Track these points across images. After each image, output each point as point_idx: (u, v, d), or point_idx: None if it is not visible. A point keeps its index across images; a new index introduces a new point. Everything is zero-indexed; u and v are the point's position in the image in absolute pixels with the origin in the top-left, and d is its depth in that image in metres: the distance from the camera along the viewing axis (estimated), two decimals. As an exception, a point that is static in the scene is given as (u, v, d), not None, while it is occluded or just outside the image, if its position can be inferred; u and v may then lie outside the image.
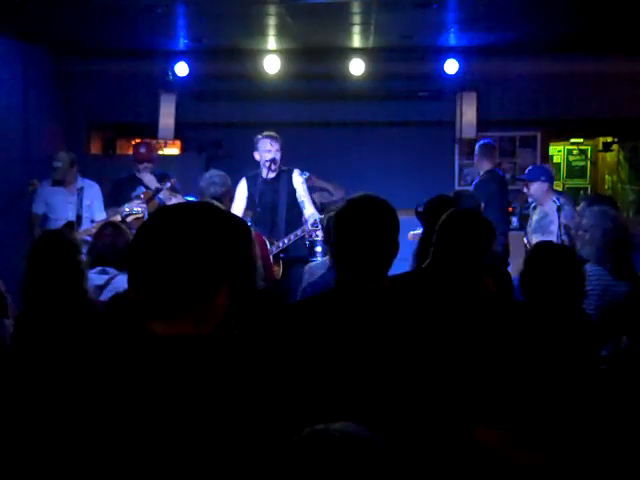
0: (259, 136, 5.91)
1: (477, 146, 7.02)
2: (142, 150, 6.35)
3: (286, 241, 5.73)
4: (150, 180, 6.20)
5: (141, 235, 1.61)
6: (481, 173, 6.88)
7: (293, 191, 5.93)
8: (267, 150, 5.84)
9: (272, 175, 5.89)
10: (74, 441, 1.53)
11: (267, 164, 5.82)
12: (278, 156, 5.86)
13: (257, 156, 5.90)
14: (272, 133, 5.93)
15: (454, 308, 2.61)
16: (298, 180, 5.96)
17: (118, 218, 5.80)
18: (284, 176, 5.93)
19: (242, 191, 5.96)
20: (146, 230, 1.62)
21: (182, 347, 1.55)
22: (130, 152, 7.33)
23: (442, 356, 2.15)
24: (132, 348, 1.60)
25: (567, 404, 2.28)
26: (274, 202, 5.88)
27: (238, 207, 5.93)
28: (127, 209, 5.77)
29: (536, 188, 5.94)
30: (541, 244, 3.26)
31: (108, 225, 4.41)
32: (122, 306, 2.70)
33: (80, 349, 2.91)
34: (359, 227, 2.23)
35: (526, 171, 6.24)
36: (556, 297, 2.77)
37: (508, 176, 7.38)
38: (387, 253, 2.25)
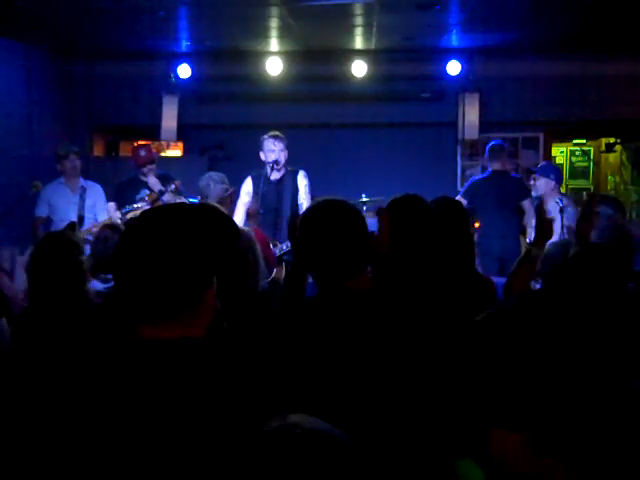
0: (264, 136, 5.91)
1: (486, 148, 7.06)
2: (142, 154, 6.31)
3: (289, 244, 5.71)
4: (154, 183, 6.19)
5: (126, 238, 1.60)
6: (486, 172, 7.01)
7: (297, 192, 5.92)
8: (270, 150, 5.82)
9: (277, 176, 5.89)
10: (65, 442, 1.53)
11: (270, 165, 5.82)
12: (282, 156, 5.84)
13: (262, 156, 5.90)
14: (276, 133, 5.90)
15: (453, 308, 2.60)
16: (302, 182, 5.95)
17: (118, 215, 5.80)
18: (289, 177, 5.92)
19: (247, 189, 5.96)
20: (130, 233, 1.61)
21: (169, 351, 1.55)
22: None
23: (445, 357, 2.15)
24: (121, 352, 1.60)
25: (597, 412, 2.26)
26: (278, 203, 5.87)
27: (242, 205, 5.95)
28: (128, 206, 5.79)
29: (542, 184, 5.98)
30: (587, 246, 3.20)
31: (107, 227, 4.40)
32: (116, 304, 2.70)
33: (79, 350, 2.91)
34: (320, 231, 2.28)
35: (538, 165, 6.37)
36: (594, 297, 2.75)
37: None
38: (353, 254, 2.27)
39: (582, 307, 2.76)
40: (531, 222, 6.08)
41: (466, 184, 7.35)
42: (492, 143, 7.11)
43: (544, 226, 3.33)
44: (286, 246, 5.72)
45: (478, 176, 7.31)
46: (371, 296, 2.31)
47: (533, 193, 6.14)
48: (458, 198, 6.89)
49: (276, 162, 5.81)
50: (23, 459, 2.45)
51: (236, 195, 5.91)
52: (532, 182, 6.09)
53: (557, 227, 5.72)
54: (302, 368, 2.16)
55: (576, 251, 2.99)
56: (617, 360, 2.55)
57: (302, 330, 2.24)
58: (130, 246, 1.57)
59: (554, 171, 6.15)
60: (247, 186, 5.96)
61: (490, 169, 6.96)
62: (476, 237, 6.90)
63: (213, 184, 5.36)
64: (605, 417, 2.35)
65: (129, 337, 1.59)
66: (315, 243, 2.29)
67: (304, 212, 2.41)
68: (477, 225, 7.11)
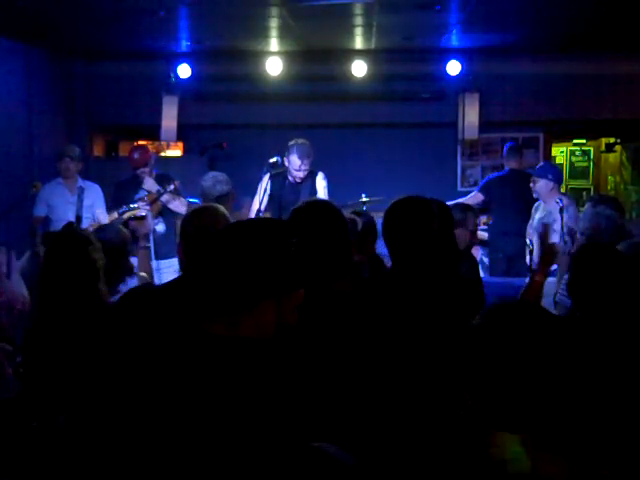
0: (294, 147, 5.89)
1: (504, 147, 7.30)
2: (135, 156, 6.28)
3: None
4: (149, 185, 6.17)
5: (214, 242, 1.76)
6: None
7: (315, 193, 5.96)
8: (295, 170, 5.87)
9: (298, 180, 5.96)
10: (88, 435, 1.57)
11: (293, 174, 5.89)
12: (304, 175, 5.92)
13: (286, 162, 5.92)
14: (306, 148, 5.90)
15: (442, 308, 2.59)
16: (321, 183, 6.00)
17: (115, 216, 5.80)
18: (308, 177, 5.99)
19: (264, 187, 5.99)
20: (218, 239, 1.76)
21: (240, 348, 1.63)
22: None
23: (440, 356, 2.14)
24: (188, 345, 1.69)
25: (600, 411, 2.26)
26: (295, 202, 5.89)
27: (258, 203, 5.96)
28: (125, 207, 5.79)
29: (541, 185, 5.98)
30: (589, 246, 3.17)
31: (104, 229, 4.40)
32: (138, 300, 2.69)
33: (95, 347, 2.90)
34: (301, 233, 2.29)
35: (536, 167, 6.39)
36: (609, 303, 2.72)
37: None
38: (332, 256, 2.30)
39: (585, 306, 2.76)
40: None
41: (483, 180, 7.39)
42: (510, 143, 7.42)
43: (548, 253, 3.31)
44: None
45: (495, 173, 7.38)
46: (359, 296, 2.31)
47: (534, 195, 6.13)
48: (475, 193, 6.94)
49: (298, 176, 5.88)
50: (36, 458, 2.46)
51: (237, 196, 5.92)
52: (532, 185, 6.08)
53: (557, 227, 5.72)
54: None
55: (578, 255, 2.97)
56: (616, 358, 2.55)
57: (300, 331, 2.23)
58: (215, 249, 1.74)
59: (552, 171, 6.14)
60: (264, 184, 5.99)
61: (507, 168, 7.05)
62: (486, 235, 6.94)
63: (218, 184, 5.36)
64: (604, 414, 2.35)
65: (197, 332, 1.69)
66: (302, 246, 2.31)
67: (288, 216, 2.45)
68: (484, 222, 7.15)
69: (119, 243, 3.91)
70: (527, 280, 5.39)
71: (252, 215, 5.99)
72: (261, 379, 1.59)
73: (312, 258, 2.24)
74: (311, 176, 6.00)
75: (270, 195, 5.97)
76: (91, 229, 5.21)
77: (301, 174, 5.91)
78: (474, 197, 6.82)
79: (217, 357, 1.61)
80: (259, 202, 5.94)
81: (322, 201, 2.38)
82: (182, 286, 2.53)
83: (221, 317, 1.67)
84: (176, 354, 1.68)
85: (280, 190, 5.94)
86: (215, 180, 5.34)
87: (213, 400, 1.55)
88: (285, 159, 5.91)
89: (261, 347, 1.65)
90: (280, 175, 5.97)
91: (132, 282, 4.03)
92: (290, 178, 5.97)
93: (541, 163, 6.81)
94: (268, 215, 6.14)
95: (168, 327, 2.27)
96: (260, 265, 1.68)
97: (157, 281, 5.88)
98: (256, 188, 6.10)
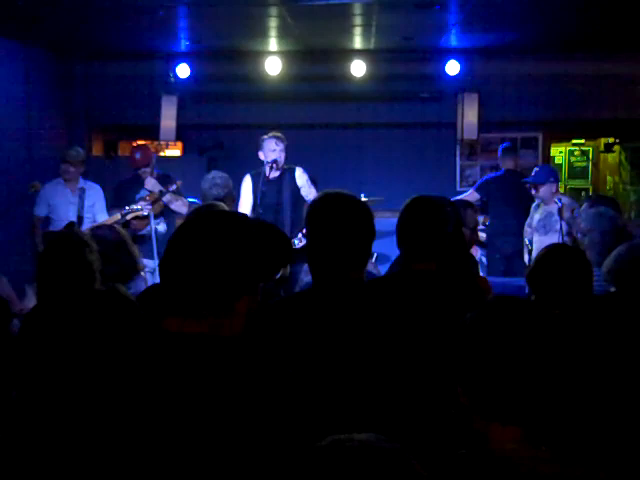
0: (265, 136, 5.91)
1: (499, 148, 7.30)
2: (137, 156, 6.28)
3: (296, 242, 5.68)
4: (152, 185, 6.17)
5: (182, 233, 1.68)
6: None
7: (297, 189, 5.93)
8: (271, 150, 5.83)
9: (275, 174, 5.90)
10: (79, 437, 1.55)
11: (269, 164, 5.82)
12: (282, 157, 5.85)
13: (261, 156, 5.90)
14: (278, 134, 5.90)
15: (446, 305, 2.60)
16: (302, 178, 5.96)
17: (118, 217, 5.80)
18: (287, 175, 5.94)
19: (247, 188, 5.95)
20: (187, 230, 1.68)
21: (197, 345, 1.58)
22: (132, 154, 7.33)
23: (437, 350, 2.15)
24: (147, 344, 1.64)
25: (582, 404, 2.28)
26: (278, 202, 5.87)
27: (245, 204, 5.93)
28: (127, 208, 5.79)
29: (545, 190, 5.96)
30: (553, 246, 3.23)
31: (100, 227, 4.40)
32: (154, 298, 2.69)
33: (90, 348, 2.89)
34: (331, 221, 2.32)
35: (533, 173, 6.16)
36: (566, 295, 2.77)
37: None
38: (359, 246, 2.32)
39: (564, 303, 2.78)
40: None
41: (479, 180, 7.41)
42: (505, 144, 7.40)
43: None
44: (294, 244, 5.69)
45: (492, 174, 7.38)
46: (375, 285, 2.32)
47: (537, 201, 6.13)
48: (471, 191, 6.95)
49: (276, 162, 5.81)
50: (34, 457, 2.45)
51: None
52: (533, 192, 6.07)
53: (557, 226, 5.73)
54: (308, 362, 2.16)
55: (543, 253, 3.02)
56: (607, 354, 2.57)
57: (310, 320, 2.24)
58: (184, 242, 1.64)
59: (552, 173, 6.11)
60: (247, 184, 5.97)
61: (503, 169, 7.04)
62: (484, 236, 6.95)
63: (214, 187, 5.33)
64: (599, 408, 2.36)
65: (156, 330, 1.64)
66: (330, 232, 2.31)
67: (313, 203, 2.42)
68: (482, 222, 7.15)
69: (117, 239, 3.91)
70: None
71: None
72: (259, 375, 1.57)
73: (337, 246, 2.28)
74: (289, 173, 5.95)
75: (254, 195, 5.93)
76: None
77: (276, 155, 5.77)
78: (470, 195, 6.82)
79: (198, 356, 1.57)
80: (249, 203, 5.90)
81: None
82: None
83: (204, 318, 1.61)
84: (164, 357, 1.60)
85: (262, 189, 5.89)
86: (212, 183, 5.28)
87: (210, 402, 1.51)
88: (260, 153, 5.88)
89: (248, 344, 1.62)
90: (260, 174, 5.93)
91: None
92: (269, 175, 5.83)
93: (536, 168, 6.47)
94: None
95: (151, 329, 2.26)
96: (240, 263, 1.61)
97: (158, 280, 5.89)
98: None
